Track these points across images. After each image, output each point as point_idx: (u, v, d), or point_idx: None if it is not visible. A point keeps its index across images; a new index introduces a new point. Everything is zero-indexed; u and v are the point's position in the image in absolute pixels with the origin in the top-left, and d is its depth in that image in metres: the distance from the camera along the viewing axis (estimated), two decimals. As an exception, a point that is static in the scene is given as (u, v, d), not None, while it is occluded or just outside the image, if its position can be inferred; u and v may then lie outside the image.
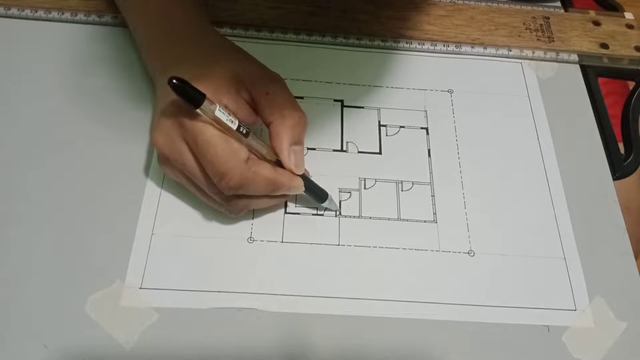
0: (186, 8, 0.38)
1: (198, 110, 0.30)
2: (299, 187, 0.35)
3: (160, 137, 0.33)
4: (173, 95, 0.30)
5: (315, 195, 0.36)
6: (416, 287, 0.35)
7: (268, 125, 0.34)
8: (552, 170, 0.41)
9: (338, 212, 0.38)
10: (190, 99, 0.30)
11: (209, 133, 0.31)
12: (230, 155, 0.31)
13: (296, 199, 0.38)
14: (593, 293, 0.36)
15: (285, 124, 0.33)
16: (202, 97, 0.30)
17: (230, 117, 0.32)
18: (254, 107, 0.34)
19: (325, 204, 0.37)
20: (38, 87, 0.41)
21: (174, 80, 0.29)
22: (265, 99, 0.34)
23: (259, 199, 0.35)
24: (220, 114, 0.31)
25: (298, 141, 0.34)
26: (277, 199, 0.36)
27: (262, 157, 0.34)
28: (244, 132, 0.32)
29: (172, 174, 0.35)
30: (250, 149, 0.33)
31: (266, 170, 0.33)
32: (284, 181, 0.34)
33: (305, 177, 0.35)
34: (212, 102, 0.31)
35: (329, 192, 0.37)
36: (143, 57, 0.40)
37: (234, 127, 0.32)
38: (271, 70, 0.35)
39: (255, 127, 0.37)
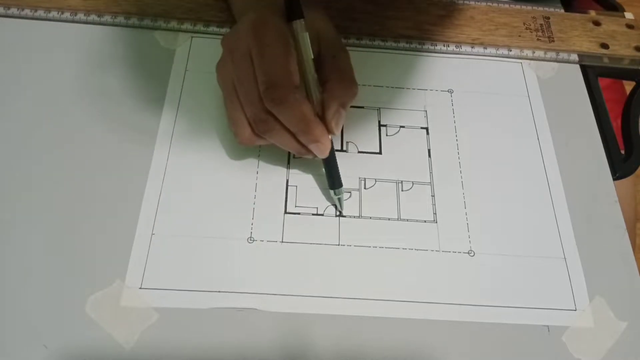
0: None
1: (292, 23, 0.33)
2: (325, 147, 0.35)
3: (230, 36, 0.35)
4: (258, 14, 0.33)
5: (331, 177, 0.37)
6: (416, 287, 0.35)
7: (324, 83, 0.35)
8: (552, 170, 0.41)
9: (339, 212, 0.37)
10: (292, 10, 0.33)
11: (277, 44, 0.33)
12: (286, 72, 0.33)
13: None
14: (593, 293, 0.36)
15: (341, 85, 0.35)
16: (301, 16, 0.33)
17: (310, 51, 0.34)
18: (317, 62, 0.35)
19: (334, 194, 0.37)
20: (37, 87, 0.41)
21: None
22: (330, 60, 0.36)
23: (284, 134, 0.34)
24: (305, 39, 0.34)
25: (345, 105, 0.35)
26: (298, 146, 0.35)
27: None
28: (313, 71, 0.34)
29: (220, 77, 0.36)
30: (308, 87, 0.35)
31: (307, 107, 0.33)
32: (315, 128, 0.34)
33: (333, 153, 0.36)
34: (305, 29, 0.34)
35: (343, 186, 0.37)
36: None
37: (310, 57, 0.34)
38: (342, 41, 0.38)
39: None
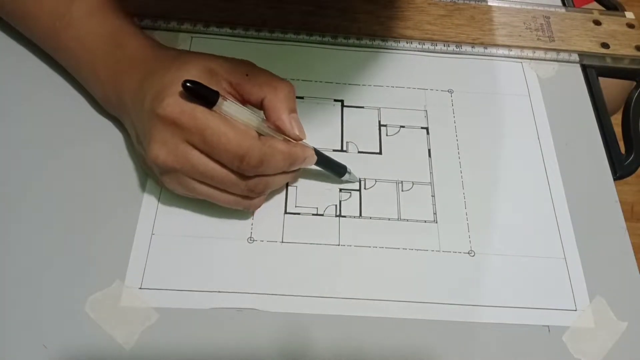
0: (136, 36, 0.37)
1: (215, 109, 0.31)
2: (312, 157, 0.35)
3: (161, 151, 0.32)
4: (160, 106, 0.31)
5: (332, 169, 0.37)
6: (416, 287, 0.35)
7: (260, 102, 0.34)
8: (552, 170, 0.41)
9: (359, 184, 0.38)
10: (205, 97, 0.31)
11: (215, 123, 0.31)
12: (243, 136, 0.32)
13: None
14: (593, 293, 0.36)
15: (278, 95, 0.34)
16: (216, 94, 0.31)
17: (242, 108, 0.32)
18: (238, 92, 0.34)
19: (345, 177, 0.38)
20: (37, 87, 0.41)
21: (188, 83, 0.30)
22: (247, 80, 0.34)
23: (276, 177, 0.35)
24: (234, 106, 0.32)
25: (293, 109, 0.34)
26: (291, 175, 0.36)
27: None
28: (258, 120, 0.33)
29: (182, 187, 0.34)
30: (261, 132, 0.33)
31: (281, 144, 0.33)
32: (298, 152, 0.34)
33: (317, 151, 0.36)
34: (224, 98, 0.31)
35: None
36: (98, 93, 0.38)
37: (249, 116, 0.32)
38: (238, 58, 0.35)
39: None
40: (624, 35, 0.48)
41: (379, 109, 0.43)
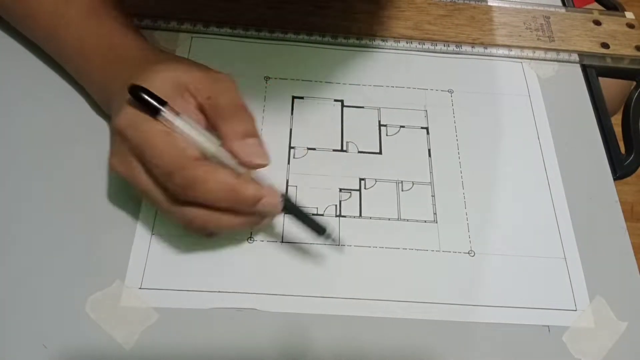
0: (128, 38, 0.37)
1: (159, 119, 0.29)
2: (273, 202, 0.31)
3: (114, 161, 0.31)
4: (116, 117, 0.30)
5: (310, 227, 0.33)
6: (416, 287, 0.35)
7: (218, 130, 0.31)
8: (552, 170, 0.41)
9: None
10: (150, 106, 0.29)
11: (151, 134, 0.29)
12: (177, 152, 0.29)
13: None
14: (594, 293, 0.36)
15: (233, 122, 0.31)
16: (163, 103, 0.29)
17: (197, 127, 0.30)
18: (204, 113, 0.32)
19: (325, 238, 0.33)
20: (37, 87, 0.41)
21: (134, 89, 0.29)
22: (208, 104, 0.31)
23: (221, 216, 0.31)
24: (183, 123, 0.29)
25: (250, 134, 0.31)
26: (245, 219, 0.32)
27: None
28: (215, 147, 0.30)
29: (138, 194, 0.33)
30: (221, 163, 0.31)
31: (222, 174, 0.29)
32: (248, 190, 0.30)
33: (289, 202, 0.32)
34: (173, 111, 0.30)
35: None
36: (95, 95, 0.38)
37: (202, 138, 0.30)
38: (217, 72, 0.33)
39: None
40: (624, 35, 0.48)
41: (379, 109, 0.43)
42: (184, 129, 0.30)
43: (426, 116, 0.43)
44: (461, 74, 0.45)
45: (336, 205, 0.38)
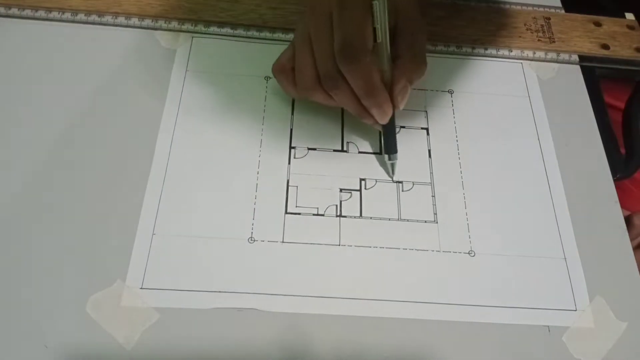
0: None
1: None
2: (386, 114, 0.36)
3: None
4: None
5: (387, 143, 0.39)
6: (417, 288, 0.35)
7: (396, 57, 0.36)
8: (552, 171, 0.41)
9: (391, 178, 0.39)
10: None
11: (360, 6, 0.33)
12: (362, 35, 0.33)
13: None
14: (593, 293, 0.36)
15: (413, 63, 0.36)
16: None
17: (383, 15, 0.34)
18: (392, 35, 0.36)
19: (388, 159, 0.39)
20: (37, 87, 0.41)
21: None
22: (405, 37, 0.36)
23: (349, 94, 0.36)
24: (383, 6, 0.33)
25: (412, 82, 0.36)
26: (360, 108, 0.37)
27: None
28: (381, 37, 0.34)
29: (299, 30, 0.37)
30: (380, 54, 0.35)
31: (375, 72, 0.35)
32: (380, 94, 0.35)
33: (393, 120, 0.37)
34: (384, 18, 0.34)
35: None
36: None
37: (384, 26, 0.34)
38: (422, 17, 0.37)
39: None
40: (624, 36, 0.48)
41: (379, 109, 0.43)
42: (381, 13, 0.34)
43: (426, 117, 0.43)
44: (461, 75, 0.45)
45: (337, 206, 0.38)
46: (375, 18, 0.34)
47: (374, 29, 0.34)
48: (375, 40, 0.34)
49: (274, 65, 0.39)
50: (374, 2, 0.34)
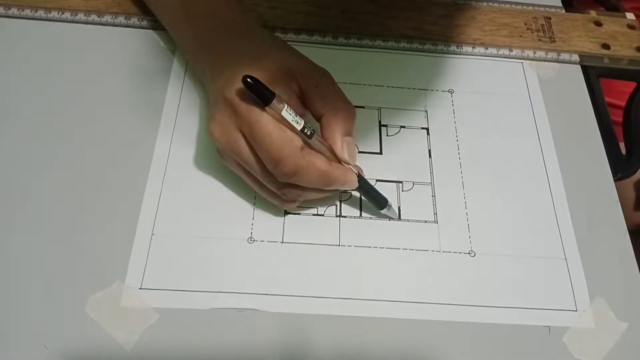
0: (232, 8, 0.39)
1: (267, 108, 0.32)
2: (352, 183, 0.35)
3: (216, 129, 0.34)
4: (228, 89, 0.32)
5: (372, 198, 0.37)
6: (417, 288, 0.35)
7: (319, 117, 0.35)
8: (553, 171, 0.41)
9: (397, 219, 0.38)
10: (261, 96, 0.31)
11: (264, 121, 0.32)
12: (286, 142, 0.32)
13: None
14: (594, 293, 0.36)
15: (337, 115, 0.34)
16: (272, 95, 0.31)
17: (296, 118, 0.32)
18: (303, 99, 0.35)
19: (384, 211, 0.37)
20: (37, 87, 0.41)
21: (248, 79, 0.31)
22: (314, 91, 0.34)
23: (312, 191, 0.35)
24: (287, 114, 0.32)
25: (349, 133, 0.35)
26: (329, 193, 0.36)
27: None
28: (308, 133, 0.33)
29: (229, 165, 0.36)
30: (312, 149, 0.34)
31: (320, 162, 0.33)
32: (337, 175, 0.34)
33: (361, 177, 0.36)
34: (280, 102, 0.32)
35: (388, 199, 0.37)
36: (187, 55, 0.41)
37: (299, 127, 0.32)
38: (318, 65, 0.36)
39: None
40: (625, 36, 0.48)
41: (379, 109, 0.43)
42: (289, 118, 0.32)
43: (426, 116, 0.43)
44: (462, 74, 0.45)
45: (336, 206, 0.38)
46: (296, 122, 0.32)
47: (302, 132, 0.32)
48: (308, 138, 0.33)
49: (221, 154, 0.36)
50: (283, 113, 0.32)
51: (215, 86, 0.34)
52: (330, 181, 0.34)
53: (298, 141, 0.33)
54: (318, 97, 0.34)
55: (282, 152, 0.32)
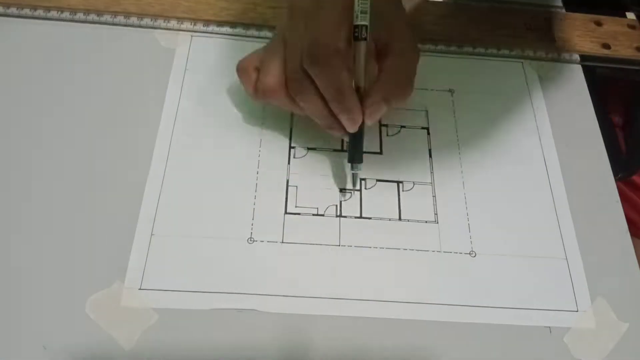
0: None
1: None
2: (355, 121, 0.34)
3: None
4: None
5: (353, 150, 0.36)
6: (417, 288, 0.35)
7: (379, 72, 0.34)
8: (553, 171, 0.41)
9: (353, 191, 0.38)
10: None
11: (338, 5, 0.31)
12: (334, 34, 0.31)
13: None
14: (595, 294, 0.36)
15: (397, 82, 0.34)
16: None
17: (362, 15, 0.32)
18: (380, 52, 0.34)
19: (352, 168, 0.37)
20: (36, 87, 0.40)
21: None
22: (397, 56, 0.34)
23: (316, 99, 0.33)
24: (361, 3, 0.31)
25: (388, 102, 0.34)
26: (327, 115, 0.34)
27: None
28: (364, 36, 0.32)
29: (277, 30, 0.35)
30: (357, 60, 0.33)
31: (345, 75, 0.32)
32: (349, 98, 0.33)
33: (361, 128, 0.35)
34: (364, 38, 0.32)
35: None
36: None
37: (357, 21, 0.32)
38: (415, 40, 0.35)
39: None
40: (625, 36, 0.48)
41: (379, 109, 0.42)
42: (356, 4, 0.32)
43: (427, 116, 0.43)
44: (462, 74, 0.45)
45: (336, 206, 0.38)
46: (356, 15, 0.32)
47: (354, 27, 0.32)
48: (354, 39, 0.32)
49: (239, 61, 0.37)
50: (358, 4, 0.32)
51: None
52: (340, 98, 0.32)
53: (343, 44, 0.32)
54: (393, 63, 0.34)
55: (325, 38, 0.31)
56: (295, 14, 0.33)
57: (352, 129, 0.35)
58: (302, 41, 0.32)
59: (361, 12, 0.32)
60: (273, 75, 0.34)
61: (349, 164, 0.37)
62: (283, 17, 0.35)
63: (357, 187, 0.38)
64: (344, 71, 0.32)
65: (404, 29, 0.35)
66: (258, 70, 0.35)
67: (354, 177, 0.38)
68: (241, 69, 0.36)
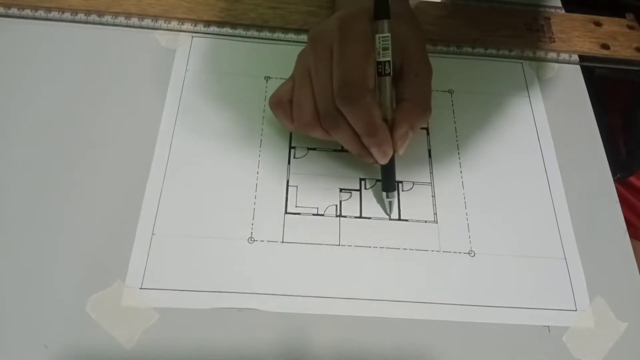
0: None
1: (376, 22, 0.33)
2: (386, 154, 0.35)
3: (317, 27, 0.35)
4: (343, 13, 0.34)
5: (387, 181, 0.37)
6: (416, 288, 0.35)
7: (400, 100, 0.35)
8: (552, 171, 0.41)
9: (388, 216, 0.38)
10: (380, 9, 0.33)
11: (363, 43, 0.32)
12: (363, 73, 0.32)
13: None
14: (594, 293, 0.36)
15: (417, 109, 0.35)
16: (388, 16, 0.32)
17: (384, 52, 0.33)
18: (399, 76, 0.35)
19: (386, 197, 0.37)
20: (37, 87, 0.41)
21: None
22: (413, 78, 0.35)
23: (349, 133, 0.34)
24: (379, 41, 0.33)
25: (414, 128, 0.35)
26: (359, 147, 0.35)
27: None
28: (388, 71, 0.33)
29: (299, 63, 0.36)
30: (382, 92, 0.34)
31: (376, 112, 0.33)
32: (380, 133, 0.34)
33: (392, 158, 0.36)
34: (387, 30, 0.33)
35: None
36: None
37: (380, 58, 0.33)
38: (428, 59, 0.36)
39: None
40: (624, 36, 0.48)
41: (379, 109, 0.43)
42: (377, 44, 0.33)
43: (426, 116, 0.43)
44: (461, 75, 0.45)
45: (336, 206, 0.38)
46: (378, 52, 0.33)
47: (377, 64, 0.33)
48: (378, 75, 0.33)
49: (271, 97, 0.37)
50: (377, 36, 0.33)
51: (341, 10, 0.35)
52: (372, 133, 0.33)
53: (371, 82, 0.33)
54: (410, 86, 0.35)
55: (355, 78, 0.32)
56: (319, 46, 0.34)
57: (384, 161, 0.35)
58: (330, 77, 0.33)
59: (383, 49, 0.33)
60: (308, 112, 0.35)
61: (383, 193, 0.37)
62: (306, 49, 0.36)
63: (393, 215, 0.38)
64: (374, 108, 0.33)
65: (415, 47, 0.35)
66: (291, 103, 0.36)
67: (389, 204, 0.38)
68: (275, 104, 0.37)
